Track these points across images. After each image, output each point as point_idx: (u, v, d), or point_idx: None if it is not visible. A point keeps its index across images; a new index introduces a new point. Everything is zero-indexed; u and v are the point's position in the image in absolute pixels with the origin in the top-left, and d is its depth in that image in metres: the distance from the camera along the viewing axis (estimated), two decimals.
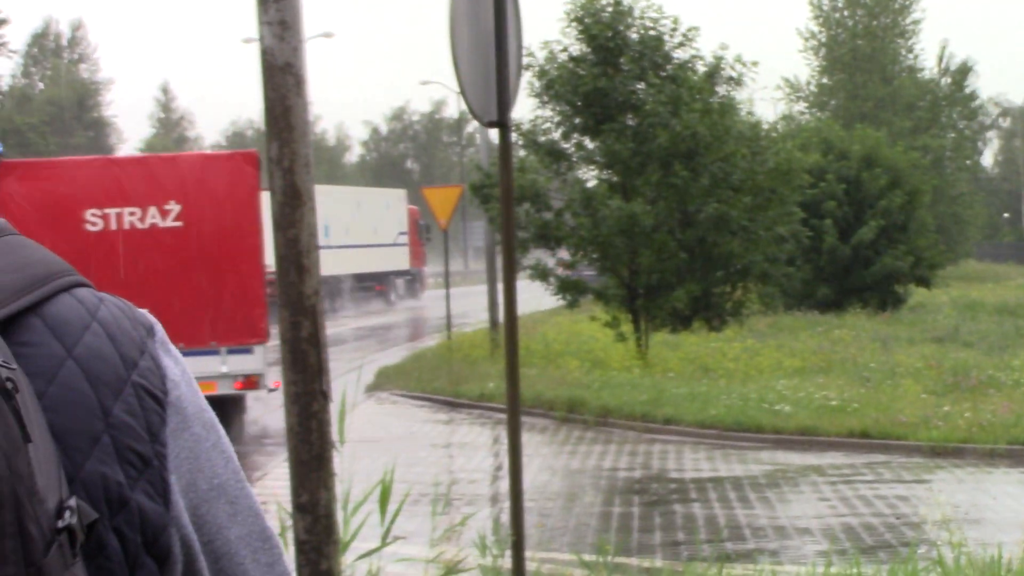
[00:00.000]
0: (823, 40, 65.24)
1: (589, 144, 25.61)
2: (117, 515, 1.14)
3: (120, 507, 1.14)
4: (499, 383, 20.18)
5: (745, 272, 27.18)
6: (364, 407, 21.26)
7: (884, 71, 63.76)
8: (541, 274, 25.34)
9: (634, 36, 25.45)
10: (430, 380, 23.52)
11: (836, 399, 18.95)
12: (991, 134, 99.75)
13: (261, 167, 17.14)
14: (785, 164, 26.79)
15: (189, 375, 1.25)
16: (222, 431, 1.27)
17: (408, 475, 13.94)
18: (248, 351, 17.31)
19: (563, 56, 25.42)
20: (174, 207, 16.70)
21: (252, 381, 17.56)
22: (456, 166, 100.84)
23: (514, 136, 24.61)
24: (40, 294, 1.17)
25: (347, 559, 6.66)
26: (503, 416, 11.50)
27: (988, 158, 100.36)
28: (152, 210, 16.66)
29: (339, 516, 5.36)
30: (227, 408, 17.66)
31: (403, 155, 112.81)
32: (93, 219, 16.54)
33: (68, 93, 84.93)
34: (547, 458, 16.86)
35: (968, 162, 70.93)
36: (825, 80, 65.41)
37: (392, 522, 6.79)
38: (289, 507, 5.13)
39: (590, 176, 26.84)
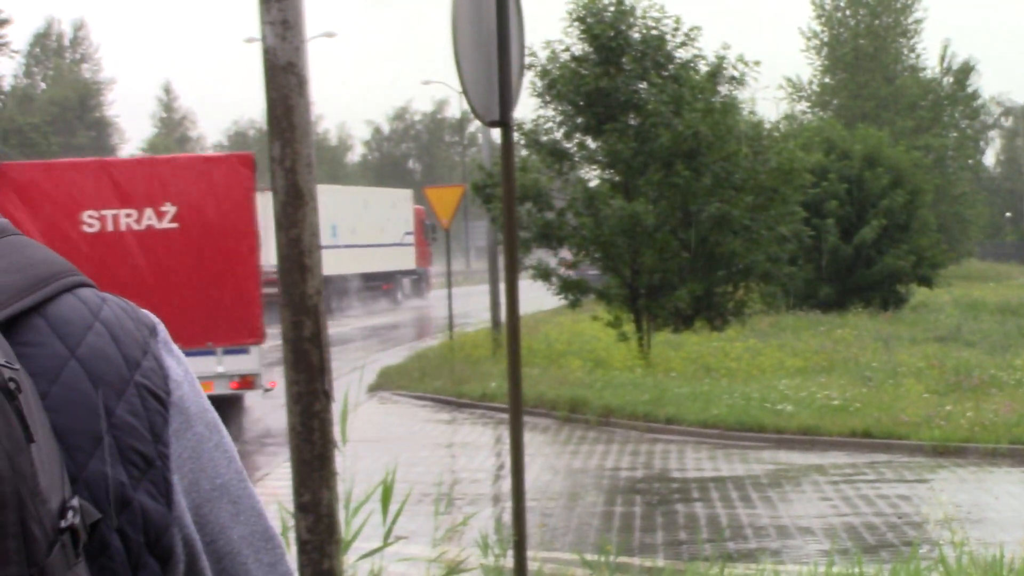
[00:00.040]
0: (825, 39, 65.23)
1: (591, 144, 25.61)
2: (120, 515, 1.14)
3: (123, 507, 1.14)
4: (501, 383, 20.19)
5: (747, 272, 27.17)
6: (366, 407, 21.26)
7: (886, 70, 63.76)
8: (543, 274, 25.35)
9: (636, 36, 25.45)
10: (432, 380, 23.52)
11: (838, 399, 18.95)
12: (993, 133, 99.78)
13: (257, 169, 17.30)
14: (787, 164, 26.78)
15: (192, 375, 1.26)
16: (225, 431, 1.28)
17: (410, 475, 13.94)
18: (244, 351, 17.45)
19: (565, 56, 25.42)
20: (170, 209, 16.81)
21: (248, 381, 17.73)
22: (458, 166, 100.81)
23: (516, 136, 24.59)
24: (43, 294, 1.17)
25: (349, 559, 6.66)
26: (505, 416, 11.50)
27: (990, 157, 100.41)
28: (148, 212, 16.77)
29: (341, 516, 5.36)
30: (224, 408, 17.73)
31: (405, 155, 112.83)
32: (90, 220, 16.64)
33: (70, 93, 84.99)
34: (549, 458, 16.86)
35: (970, 161, 70.90)
36: (827, 80, 65.42)
37: (394, 522, 6.79)
38: (291, 507, 5.14)
39: (592, 176, 26.85)
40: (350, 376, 21.44)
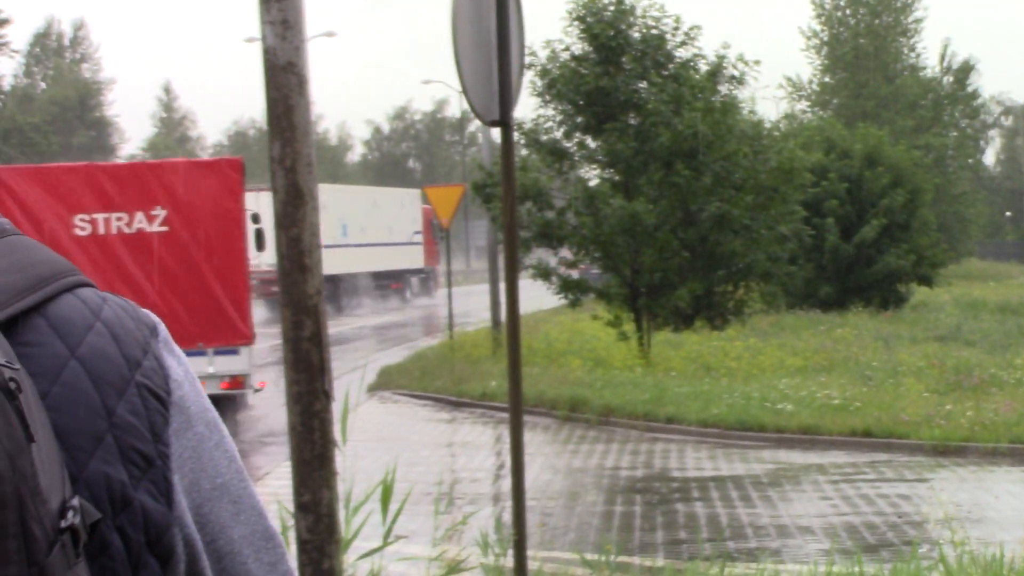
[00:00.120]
0: (825, 39, 65.23)
1: (591, 143, 25.62)
2: (120, 515, 1.14)
3: (123, 507, 1.14)
4: (501, 382, 20.19)
5: (747, 271, 27.18)
6: (366, 406, 21.28)
7: (886, 70, 63.75)
8: (543, 273, 25.36)
9: (636, 35, 25.46)
10: (432, 379, 23.53)
11: (838, 398, 18.96)
12: (993, 133, 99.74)
13: (246, 172, 17.68)
14: (787, 163, 26.78)
15: (192, 375, 1.26)
16: (225, 431, 1.28)
17: (410, 474, 13.95)
18: (234, 352, 17.77)
19: (565, 55, 25.43)
20: (161, 212, 17.10)
21: (238, 381, 18.07)
22: (458, 165, 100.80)
23: (516, 135, 24.59)
24: (43, 294, 1.17)
25: (349, 558, 6.66)
26: (505, 415, 11.51)
27: (990, 157, 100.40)
28: (139, 215, 17.10)
29: (341, 515, 5.36)
30: (223, 408, 17.89)
31: (405, 154, 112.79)
32: (82, 224, 16.91)
33: (70, 93, 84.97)
34: (549, 457, 16.87)
35: (970, 161, 70.90)
36: (827, 79, 65.41)
37: (394, 521, 6.79)
38: (291, 506, 5.14)
39: (592, 175, 26.85)
40: (351, 376, 21.45)
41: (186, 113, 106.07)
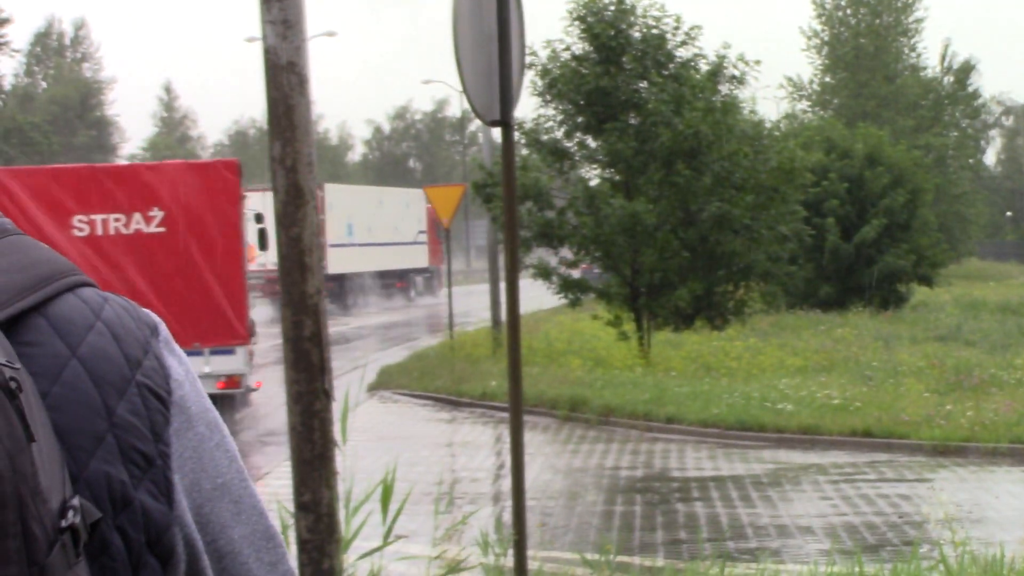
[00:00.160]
0: (826, 39, 65.24)
1: (591, 143, 25.62)
2: (121, 514, 1.14)
3: (124, 506, 1.14)
4: (501, 382, 20.18)
5: (747, 271, 27.17)
6: (366, 406, 21.27)
7: (887, 70, 63.75)
8: (543, 273, 25.36)
9: (636, 35, 25.45)
10: (432, 379, 23.53)
11: (838, 398, 18.95)
12: (994, 133, 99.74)
13: (243, 174, 17.78)
14: (788, 163, 26.77)
15: (193, 375, 1.26)
16: (226, 430, 1.27)
17: (410, 474, 13.94)
18: (230, 352, 17.87)
19: (566, 55, 25.43)
20: (158, 213, 17.19)
21: (234, 381, 18.19)
22: (458, 165, 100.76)
23: (516, 135, 24.60)
24: (44, 294, 1.17)
25: (349, 558, 6.66)
26: (505, 415, 11.50)
27: (991, 157, 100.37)
28: (137, 216, 17.20)
29: (341, 515, 5.36)
30: (222, 408, 17.91)
31: (406, 154, 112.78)
32: (80, 225, 17.00)
33: (71, 92, 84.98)
34: (549, 457, 16.87)
35: (971, 161, 70.89)
36: (828, 79, 65.42)
37: (394, 521, 6.79)
38: (291, 506, 5.14)
39: (593, 175, 26.85)
40: (351, 375, 21.45)
41: (187, 113, 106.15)
